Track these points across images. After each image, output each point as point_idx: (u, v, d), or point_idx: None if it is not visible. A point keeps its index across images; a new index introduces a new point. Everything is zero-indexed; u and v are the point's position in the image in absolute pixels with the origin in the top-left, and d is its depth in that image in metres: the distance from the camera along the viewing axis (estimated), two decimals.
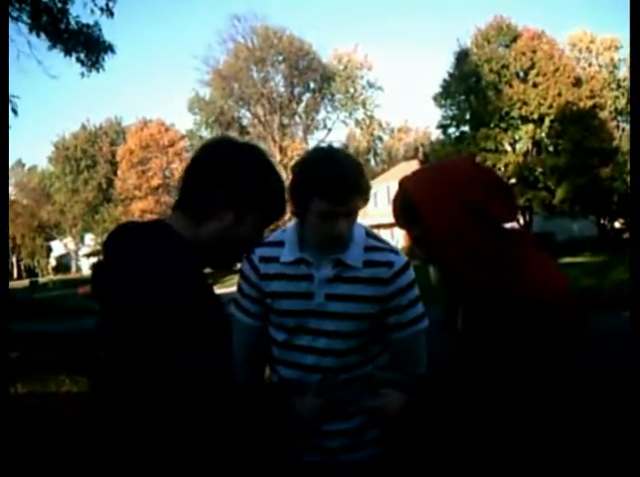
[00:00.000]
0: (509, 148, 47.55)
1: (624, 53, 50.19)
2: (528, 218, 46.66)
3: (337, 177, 2.60)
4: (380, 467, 2.90)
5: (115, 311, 1.99)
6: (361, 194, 2.67)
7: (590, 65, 54.13)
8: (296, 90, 69.45)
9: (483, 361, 2.19)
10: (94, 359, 2.10)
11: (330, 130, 73.55)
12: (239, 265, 2.93)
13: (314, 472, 2.89)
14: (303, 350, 2.87)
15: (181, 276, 1.97)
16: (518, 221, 2.30)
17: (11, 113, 13.75)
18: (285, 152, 62.03)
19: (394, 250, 2.88)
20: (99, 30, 14.64)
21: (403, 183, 2.28)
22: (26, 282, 69.18)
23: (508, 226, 2.25)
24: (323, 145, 2.90)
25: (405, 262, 2.84)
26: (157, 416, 1.95)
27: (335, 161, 2.66)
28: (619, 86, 50.14)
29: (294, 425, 2.28)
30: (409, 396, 2.34)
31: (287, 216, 2.83)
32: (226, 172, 2.12)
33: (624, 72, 49.87)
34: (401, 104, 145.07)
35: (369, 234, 2.92)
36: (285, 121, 69.15)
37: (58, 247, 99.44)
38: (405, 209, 2.25)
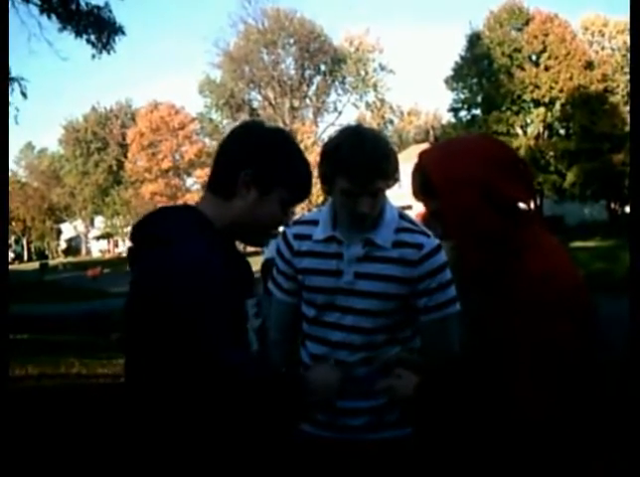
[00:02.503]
0: (520, 131, 47.51)
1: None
2: (538, 201, 46.59)
3: (359, 158, 2.64)
4: (402, 448, 2.92)
5: (148, 298, 1.99)
6: (383, 175, 2.70)
7: (603, 48, 53.86)
8: (307, 73, 69.29)
9: (490, 344, 2.17)
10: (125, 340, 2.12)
11: (340, 113, 73.51)
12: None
13: (336, 449, 2.92)
14: (331, 326, 2.91)
15: (207, 263, 1.99)
16: (535, 202, 2.27)
17: (20, 96, 13.76)
18: (295, 135, 61.93)
19: (425, 233, 2.88)
20: (110, 11, 14.61)
21: (422, 156, 2.26)
22: (36, 265, 69.52)
23: (523, 206, 2.23)
24: (352, 124, 2.92)
25: (436, 245, 2.84)
26: (178, 396, 1.97)
27: (360, 142, 2.69)
28: None
29: (309, 401, 2.28)
30: (424, 377, 2.33)
31: (321, 197, 2.87)
32: (251, 152, 2.17)
33: None
34: (411, 87, 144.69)
35: (402, 215, 2.94)
36: (296, 104, 69.02)
37: (68, 230, 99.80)
38: (423, 183, 2.22)
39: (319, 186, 2.85)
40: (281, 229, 2.90)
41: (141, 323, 1.99)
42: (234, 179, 2.15)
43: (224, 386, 1.95)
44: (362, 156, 2.64)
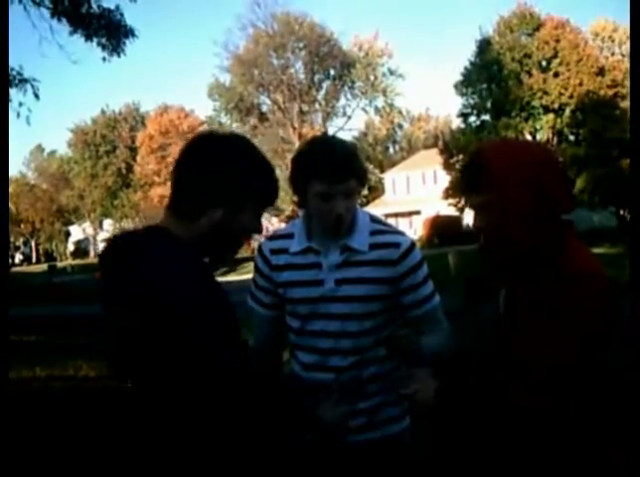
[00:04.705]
0: (529, 138, 47.35)
1: None
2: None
3: (330, 158, 2.72)
4: (397, 444, 2.97)
5: (144, 303, 2.00)
6: (355, 174, 2.78)
7: (613, 54, 53.74)
8: (316, 77, 69.33)
9: (525, 337, 2.20)
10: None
11: (349, 118, 73.54)
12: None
13: (334, 451, 2.93)
14: (318, 335, 2.94)
15: (185, 278, 2.01)
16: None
17: (33, 97, 13.83)
18: (304, 139, 61.89)
19: (399, 232, 2.98)
20: (121, 14, 14.65)
21: (485, 150, 2.34)
22: (44, 266, 69.64)
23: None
24: (340, 132, 3.00)
25: (412, 243, 2.93)
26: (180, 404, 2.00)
27: (328, 145, 2.81)
28: None
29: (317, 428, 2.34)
30: (441, 381, 2.36)
31: (292, 209, 2.91)
32: (208, 171, 2.15)
33: None
34: (422, 92, 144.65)
35: (373, 219, 3.00)
36: (305, 108, 69.06)
37: (76, 232, 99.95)
38: (476, 176, 2.29)
39: None
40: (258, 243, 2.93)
41: (136, 328, 2.01)
42: (193, 202, 2.14)
43: (220, 384, 1.98)
44: (334, 156, 2.72)
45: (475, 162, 2.31)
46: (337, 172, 2.71)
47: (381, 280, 2.87)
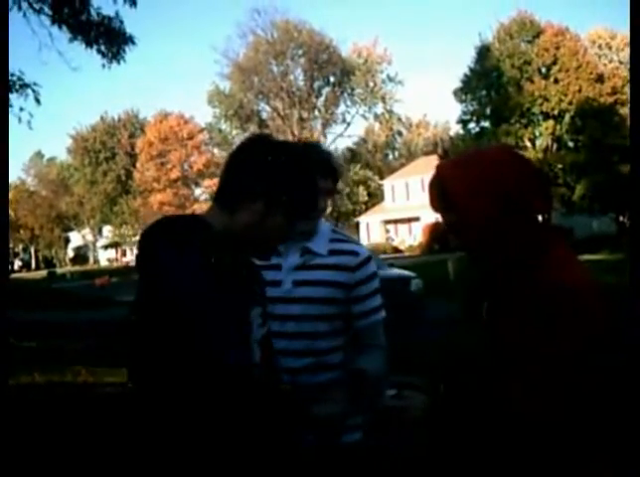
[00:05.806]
0: (529, 144, 47.47)
1: None
2: (547, 214, 46.42)
3: (318, 156, 2.97)
4: (364, 451, 3.03)
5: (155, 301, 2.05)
6: (333, 175, 3.05)
7: (611, 61, 53.90)
8: (316, 84, 69.54)
9: (507, 350, 2.19)
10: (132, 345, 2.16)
11: (349, 124, 73.86)
12: None
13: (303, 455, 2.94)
14: (273, 336, 2.93)
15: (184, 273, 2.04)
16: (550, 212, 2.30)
17: (34, 102, 13.86)
18: None
19: (357, 243, 3.19)
20: (121, 22, 14.66)
21: (439, 169, 2.30)
22: (44, 273, 69.68)
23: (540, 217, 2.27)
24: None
25: (369, 254, 3.12)
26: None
27: (313, 146, 3.16)
28: None
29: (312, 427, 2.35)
30: (429, 397, 2.36)
31: None
32: (257, 167, 2.23)
33: None
34: (421, 98, 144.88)
35: (334, 230, 3.17)
36: (304, 115, 69.23)
37: (76, 239, 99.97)
38: (440, 196, 2.25)
39: None
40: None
41: (149, 324, 2.04)
42: (238, 194, 2.22)
43: (223, 385, 2.01)
44: (324, 154, 3.06)
45: (434, 183, 2.29)
46: (324, 169, 2.95)
47: (337, 284, 2.98)
